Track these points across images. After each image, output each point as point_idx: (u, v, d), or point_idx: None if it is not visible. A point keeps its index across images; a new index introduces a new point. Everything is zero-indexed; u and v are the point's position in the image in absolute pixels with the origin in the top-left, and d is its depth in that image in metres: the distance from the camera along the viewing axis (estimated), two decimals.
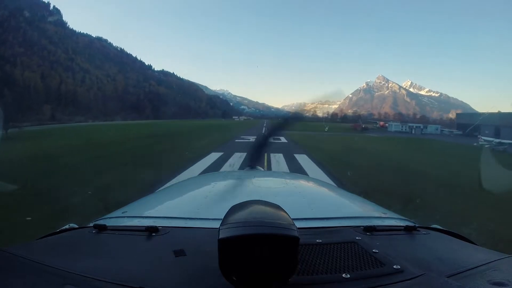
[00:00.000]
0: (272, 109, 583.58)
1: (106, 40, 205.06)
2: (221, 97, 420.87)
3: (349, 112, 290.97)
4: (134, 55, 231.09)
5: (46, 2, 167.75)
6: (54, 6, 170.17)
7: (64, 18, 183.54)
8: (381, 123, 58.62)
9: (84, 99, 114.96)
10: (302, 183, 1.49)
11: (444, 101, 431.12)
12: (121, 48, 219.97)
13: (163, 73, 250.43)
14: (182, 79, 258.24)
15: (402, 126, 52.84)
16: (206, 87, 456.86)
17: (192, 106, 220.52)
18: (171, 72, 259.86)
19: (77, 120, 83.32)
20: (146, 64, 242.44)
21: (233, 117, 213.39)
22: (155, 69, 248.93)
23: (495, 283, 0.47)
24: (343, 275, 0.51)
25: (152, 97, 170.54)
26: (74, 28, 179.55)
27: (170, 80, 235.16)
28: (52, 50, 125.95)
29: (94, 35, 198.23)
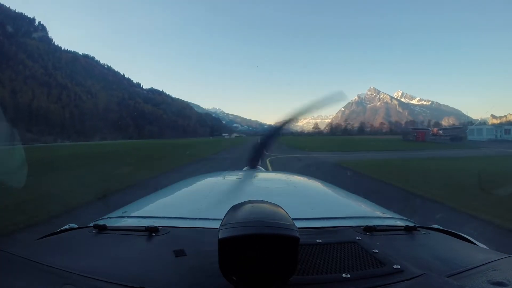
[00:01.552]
0: (265, 126, 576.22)
1: (93, 58, 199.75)
2: (213, 115, 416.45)
3: (343, 125, 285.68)
4: (122, 73, 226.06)
5: (32, 17, 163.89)
6: (39, 22, 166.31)
7: (51, 34, 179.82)
8: (435, 129, 40.95)
9: (58, 117, 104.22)
10: (302, 183, 1.48)
11: (436, 109, 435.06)
12: (108, 66, 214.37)
13: (152, 91, 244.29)
14: (171, 97, 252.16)
15: (496, 131, 32.50)
16: (198, 106, 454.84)
17: (181, 124, 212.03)
18: (161, 90, 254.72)
19: (43, 140, 73.23)
20: (135, 82, 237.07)
21: (223, 134, 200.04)
22: (144, 87, 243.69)
23: (495, 283, 0.47)
24: (343, 275, 0.51)
25: (137, 115, 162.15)
26: (61, 45, 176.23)
27: (159, 98, 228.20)
28: (28, 65, 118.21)
29: (81, 52, 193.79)
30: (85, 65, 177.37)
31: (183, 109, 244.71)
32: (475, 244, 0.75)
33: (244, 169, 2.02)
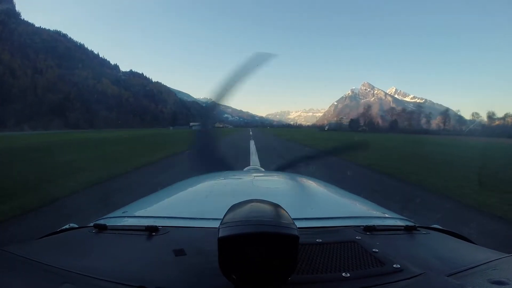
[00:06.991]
0: (256, 118, 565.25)
1: (65, 35, 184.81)
2: (203, 105, 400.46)
3: (335, 120, 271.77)
4: (96, 52, 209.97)
5: None
6: None
7: (20, 8, 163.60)
8: None
9: None
10: (302, 183, 1.48)
11: (430, 107, 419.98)
12: (81, 44, 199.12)
13: (129, 73, 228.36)
14: (149, 80, 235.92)
15: None
16: (188, 95, 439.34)
17: (152, 110, 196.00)
18: (140, 72, 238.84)
19: None
20: (112, 63, 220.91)
21: (191, 124, 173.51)
22: (123, 70, 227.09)
23: (495, 282, 0.47)
24: (343, 274, 0.51)
25: (92, 98, 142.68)
26: (34, 22, 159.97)
27: (133, 80, 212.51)
28: None
29: (63, 31, 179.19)
30: (48, 39, 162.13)
31: (159, 94, 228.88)
32: (475, 244, 0.76)
33: (245, 169, 2.06)
